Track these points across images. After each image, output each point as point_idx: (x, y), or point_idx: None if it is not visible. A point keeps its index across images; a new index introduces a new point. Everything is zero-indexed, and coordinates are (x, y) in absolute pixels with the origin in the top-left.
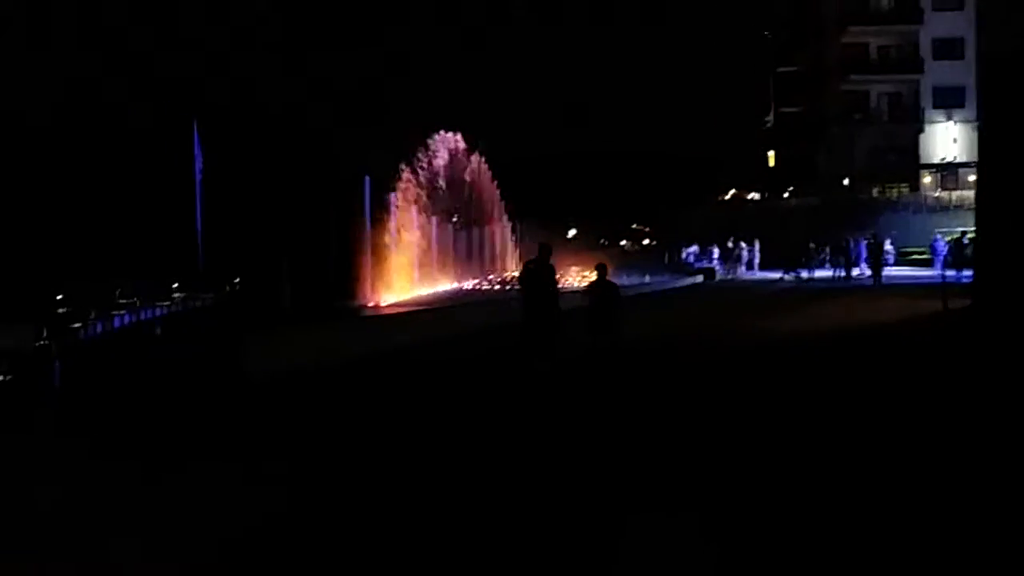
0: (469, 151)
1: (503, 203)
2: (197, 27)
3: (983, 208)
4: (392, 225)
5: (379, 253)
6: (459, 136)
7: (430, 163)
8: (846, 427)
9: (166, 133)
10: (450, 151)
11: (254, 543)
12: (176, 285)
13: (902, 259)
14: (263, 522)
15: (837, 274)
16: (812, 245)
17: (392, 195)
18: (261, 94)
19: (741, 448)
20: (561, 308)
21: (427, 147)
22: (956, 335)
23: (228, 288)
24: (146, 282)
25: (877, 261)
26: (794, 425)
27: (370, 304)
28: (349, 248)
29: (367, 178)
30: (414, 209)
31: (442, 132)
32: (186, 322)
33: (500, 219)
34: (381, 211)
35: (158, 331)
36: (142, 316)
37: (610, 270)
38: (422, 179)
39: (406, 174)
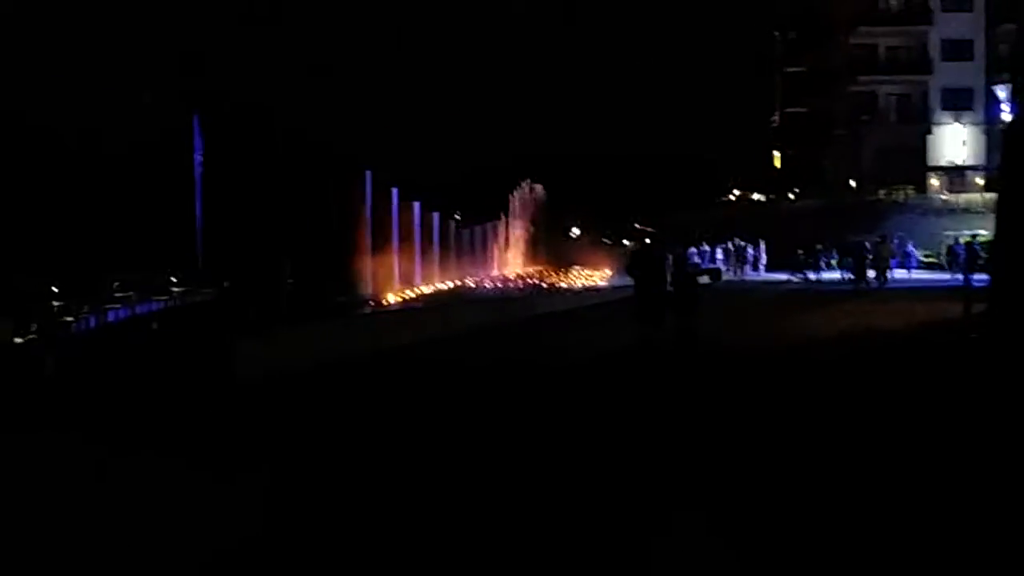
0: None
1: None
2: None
3: (1004, 210)
4: (394, 221)
5: (380, 249)
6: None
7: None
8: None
9: (166, 125)
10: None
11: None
12: (175, 279)
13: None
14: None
15: (845, 276)
16: (820, 246)
17: (394, 190)
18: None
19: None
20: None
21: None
22: (981, 340)
23: (226, 284)
24: (145, 275)
25: (882, 263)
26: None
27: (371, 301)
28: (350, 244)
29: (368, 173)
30: (416, 205)
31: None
32: (184, 317)
33: (503, 217)
34: (383, 206)
35: (155, 326)
36: (139, 310)
37: (614, 272)
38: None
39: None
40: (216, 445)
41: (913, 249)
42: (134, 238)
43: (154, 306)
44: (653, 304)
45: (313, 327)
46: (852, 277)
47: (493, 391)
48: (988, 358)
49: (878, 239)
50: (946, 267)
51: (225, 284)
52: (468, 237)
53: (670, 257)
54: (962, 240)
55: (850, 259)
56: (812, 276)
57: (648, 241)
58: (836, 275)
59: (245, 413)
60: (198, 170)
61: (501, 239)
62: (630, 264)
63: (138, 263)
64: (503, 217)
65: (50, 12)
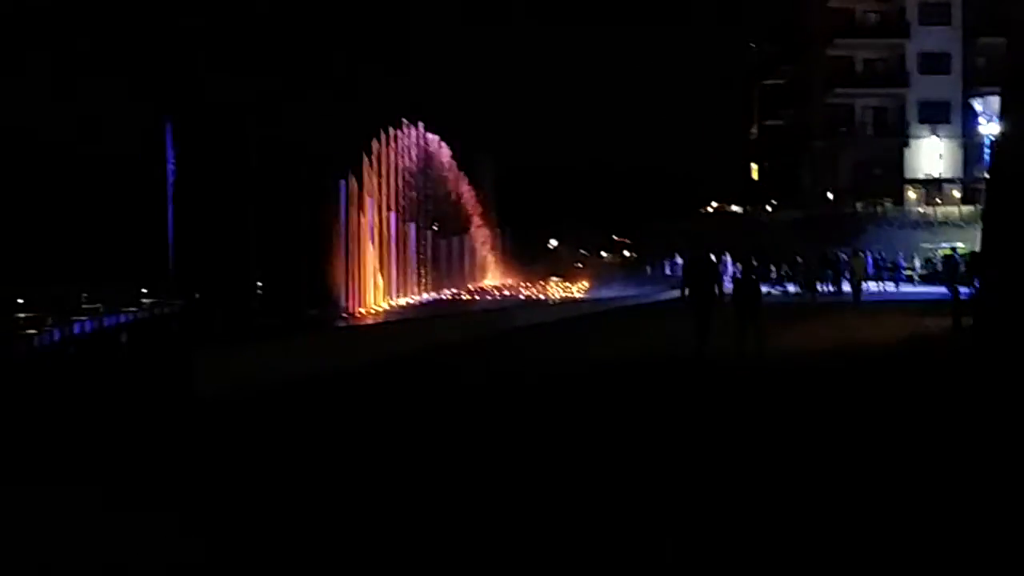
0: (455, 159)
1: (485, 212)
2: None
3: (991, 222)
4: (370, 232)
5: (354, 261)
6: (442, 142)
7: (410, 168)
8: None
9: (139, 134)
10: (432, 156)
11: None
12: (146, 290)
13: (881, 273)
14: None
15: (824, 288)
16: (799, 259)
17: (370, 200)
18: (235, 95)
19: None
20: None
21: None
22: (972, 355)
23: (196, 295)
24: (116, 287)
25: (860, 277)
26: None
27: (344, 314)
28: (323, 256)
29: (343, 183)
30: (392, 215)
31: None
32: (150, 329)
33: (481, 227)
34: (357, 217)
35: (124, 338)
36: (106, 323)
37: (591, 284)
38: (401, 184)
39: (383, 178)
40: (142, 475)
41: (901, 262)
42: (106, 249)
43: (122, 318)
44: (705, 314)
45: (283, 341)
46: (832, 289)
47: (471, 411)
48: (980, 368)
49: (851, 253)
50: (940, 279)
51: (196, 295)
52: (445, 248)
53: (730, 266)
54: (941, 253)
55: (829, 271)
56: (791, 288)
57: (699, 252)
58: (817, 287)
59: (193, 436)
60: (170, 179)
61: (479, 250)
62: (684, 272)
63: (109, 274)
64: (480, 228)
65: (19, 18)
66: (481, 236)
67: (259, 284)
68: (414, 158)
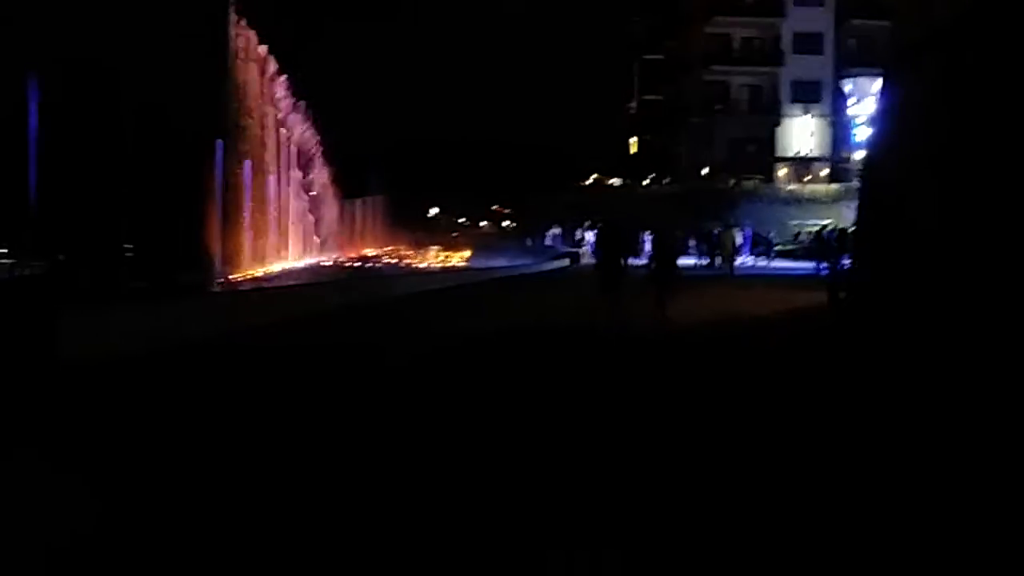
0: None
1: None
2: None
3: (867, 200)
4: (246, 195)
5: (230, 224)
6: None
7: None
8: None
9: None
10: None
11: None
12: (5, 251)
13: (756, 248)
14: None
15: (700, 262)
16: (679, 233)
17: (247, 162)
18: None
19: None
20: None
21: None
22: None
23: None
24: None
25: (729, 251)
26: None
27: (219, 279)
28: (197, 217)
29: (220, 142)
30: (271, 179)
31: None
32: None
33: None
34: (234, 179)
35: None
36: None
37: (470, 253)
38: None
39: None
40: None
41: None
42: None
43: None
44: (611, 280)
45: (154, 306)
46: (707, 263)
47: (349, 382)
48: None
49: (723, 228)
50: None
51: (60, 257)
52: (326, 213)
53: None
54: (811, 230)
55: (704, 246)
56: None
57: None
58: (691, 260)
59: (52, 401)
60: (32, 135)
61: (357, 217)
62: (597, 239)
63: None
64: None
65: None
66: (361, 202)
67: (128, 246)
68: (293, 120)
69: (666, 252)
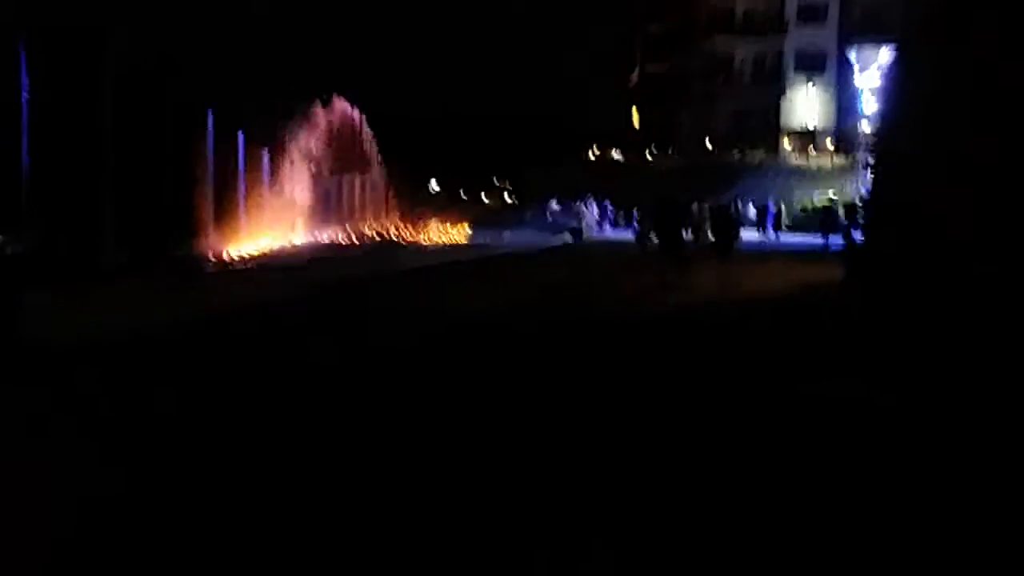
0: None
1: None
2: None
3: (884, 175)
4: (240, 168)
5: (225, 199)
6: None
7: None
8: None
9: None
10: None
11: None
12: None
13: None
14: None
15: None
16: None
17: (240, 134)
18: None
19: None
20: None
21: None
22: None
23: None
24: None
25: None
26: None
27: (213, 257)
28: (189, 192)
29: (210, 112)
30: (265, 152)
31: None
32: None
33: (365, 168)
34: (227, 151)
35: None
36: None
37: (470, 227)
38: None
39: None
40: None
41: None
42: None
43: None
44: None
45: (139, 285)
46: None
47: (352, 367)
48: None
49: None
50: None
51: (39, 232)
52: (325, 188)
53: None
54: (818, 202)
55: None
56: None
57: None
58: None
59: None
60: (25, 108)
61: (356, 191)
62: (653, 212)
63: None
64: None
65: None
66: (362, 178)
67: (113, 220)
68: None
69: (671, 222)
